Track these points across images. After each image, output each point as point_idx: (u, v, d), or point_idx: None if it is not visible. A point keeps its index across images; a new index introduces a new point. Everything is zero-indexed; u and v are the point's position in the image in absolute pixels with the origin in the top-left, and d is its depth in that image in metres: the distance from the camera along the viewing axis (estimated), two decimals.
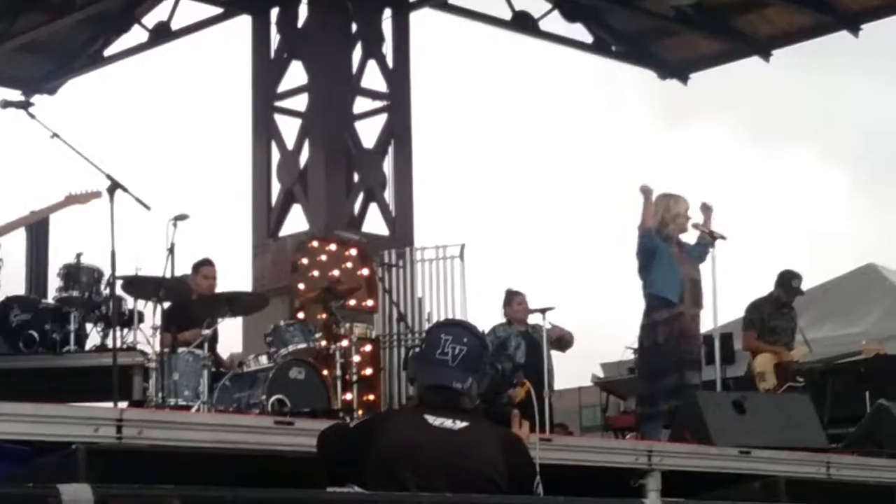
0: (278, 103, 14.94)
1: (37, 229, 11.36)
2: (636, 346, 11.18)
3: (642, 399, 10.20)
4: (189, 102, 19.27)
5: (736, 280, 11.89)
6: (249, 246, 14.68)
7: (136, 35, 16.04)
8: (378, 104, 14.98)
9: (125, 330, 9.31)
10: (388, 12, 14.94)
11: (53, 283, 9.85)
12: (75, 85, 17.10)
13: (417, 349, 4.76)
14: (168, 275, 9.02)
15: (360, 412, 9.55)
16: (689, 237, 10.28)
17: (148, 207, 8.08)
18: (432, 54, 16.70)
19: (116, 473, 5.17)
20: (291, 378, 8.99)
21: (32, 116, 7.82)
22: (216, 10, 15.30)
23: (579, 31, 16.63)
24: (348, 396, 9.89)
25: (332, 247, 12.88)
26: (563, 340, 11.16)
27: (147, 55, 16.13)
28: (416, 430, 4.35)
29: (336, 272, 12.39)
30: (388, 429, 4.41)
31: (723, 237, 10.13)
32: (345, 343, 10.03)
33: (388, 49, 14.88)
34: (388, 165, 14.76)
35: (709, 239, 10.06)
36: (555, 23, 16.26)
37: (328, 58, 14.51)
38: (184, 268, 9.78)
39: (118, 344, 8.81)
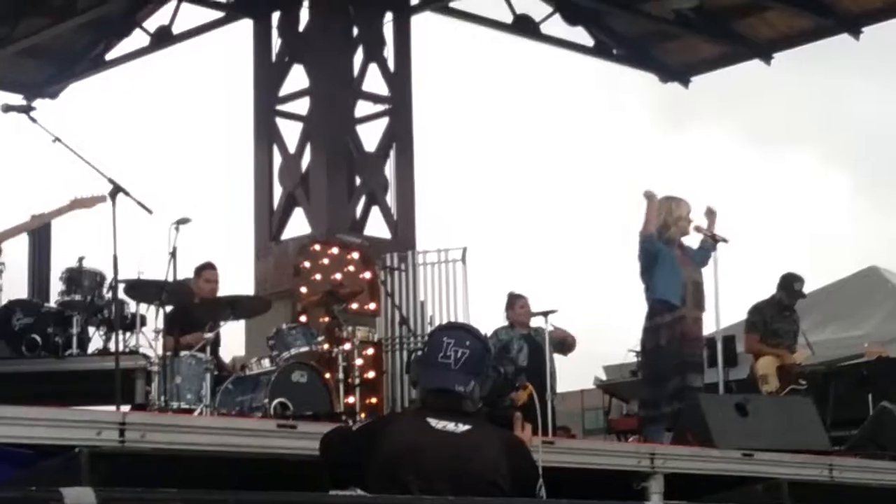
0: (280, 107, 14.95)
1: (39, 233, 11.38)
2: (638, 348, 11.18)
3: (645, 402, 10.20)
4: (191, 106, 19.28)
5: (738, 283, 11.91)
6: (251, 249, 14.69)
7: (138, 39, 16.08)
8: (379, 108, 14.99)
9: (127, 333, 9.34)
10: (389, 16, 14.95)
11: (56, 286, 9.89)
12: (77, 89, 17.14)
13: (420, 352, 4.76)
14: (170, 278, 9.02)
15: (363, 415, 9.54)
16: (691, 240, 10.29)
17: (150, 211, 8.09)
18: (433, 58, 16.71)
19: (119, 477, 5.17)
20: (294, 381, 8.98)
21: (34, 121, 7.84)
22: (217, 14, 15.32)
23: (580, 35, 16.65)
24: (351, 400, 9.89)
25: (335, 250, 12.87)
26: (565, 343, 11.16)
27: (148, 59, 16.16)
28: (419, 433, 4.35)
29: (338, 276, 12.39)
30: (390, 432, 4.41)
31: (725, 240, 10.13)
32: (347, 346, 10.04)
33: (389, 52, 14.90)
34: (389, 169, 14.77)
35: (711, 242, 10.06)
36: (556, 26, 16.28)
37: (329, 61, 14.52)
38: (186, 271, 9.80)
39: (121, 347, 8.82)
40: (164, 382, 8.55)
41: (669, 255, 9.91)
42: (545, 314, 10.67)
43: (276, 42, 14.93)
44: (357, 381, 10.07)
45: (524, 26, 16.07)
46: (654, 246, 9.87)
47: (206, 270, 10.24)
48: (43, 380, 8.92)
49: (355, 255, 12.77)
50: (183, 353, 8.93)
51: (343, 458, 4.49)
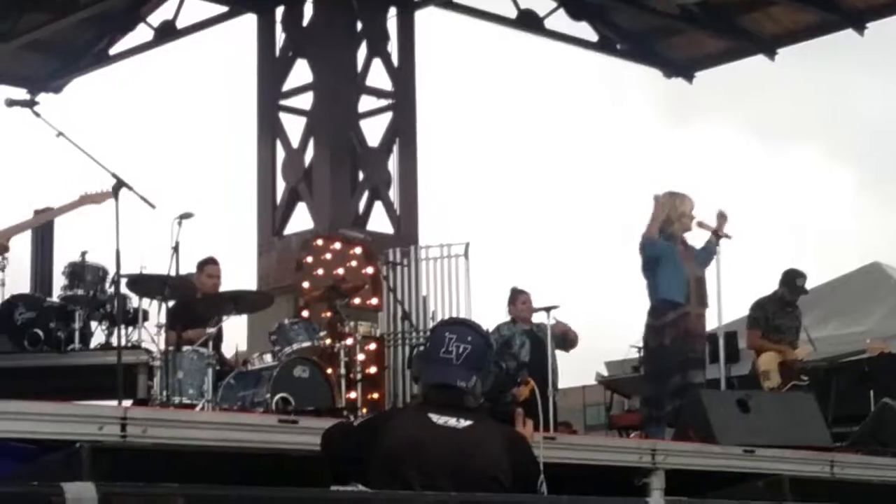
0: (283, 102, 14.95)
1: (42, 228, 11.37)
2: (640, 344, 11.17)
3: (648, 401, 10.18)
4: (194, 101, 19.27)
5: (740, 278, 11.90)
6: (254, 244, 14.70)
7: (142, 34, 16.07)
8: (383, 102, 14.98)
9: (130, 328, 9.33)
10: (393, 10, 14.95)
11: (58, 281, 9.88)
12: (80, 84, 17.14)
13: (422, 347, 4.78)
14: (173, 273, 9.02)
15: (365, 410, 9.55)
16: (694, 237, 10.27)
17: (153, 206, 8.09)
18: (437, 52, 16.68)
19: (120, 472, 5.17)
20: (296, 376, 9.00)
21: (38, 115, 7.83)
22: (221, 9, 15.31)
23: (584, 30, 16.63)
24: (352, 395, 9.90)
25: (337, 245, 12.88)
26: (566, 339, 11.16)
27: (152, 54, 16.16)
28: (421, 428, 4.35)
29: (341, 270, 12.40)
30: (392, 427, 4.41)
31: (728, 236, 10.13)
32: (349, 341, 10.05)
33: (393, 47, 14.89)
34: (392, 164, 14.77)
35: (715, 243, 10.04)
36: (560, 21, 16.26)
37: (333, 56, 14.52)
38: (188, 266, 9.81)
39: (123, 342, 8.81)
40: (166, 377, 8.56)
41: (672, 253, 9.89)
42: (547, 309, 10.67)
43: (279, 37, 14.93)
44: (359, 376, 10.07)
45: (528, 21, 16.05)
46: (655, 249, 9.84)
47: (209, 265, 10.24)
48: (45, 374, 8.91)
49: (358, 250, 12.77)
50: (185, 347, 8.94)
51: (344, 454, 4.49)
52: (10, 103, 7.96)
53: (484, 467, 4.31)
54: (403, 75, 14.91)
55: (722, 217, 10.23)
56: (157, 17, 15.91)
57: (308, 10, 14.78)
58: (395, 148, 14.79)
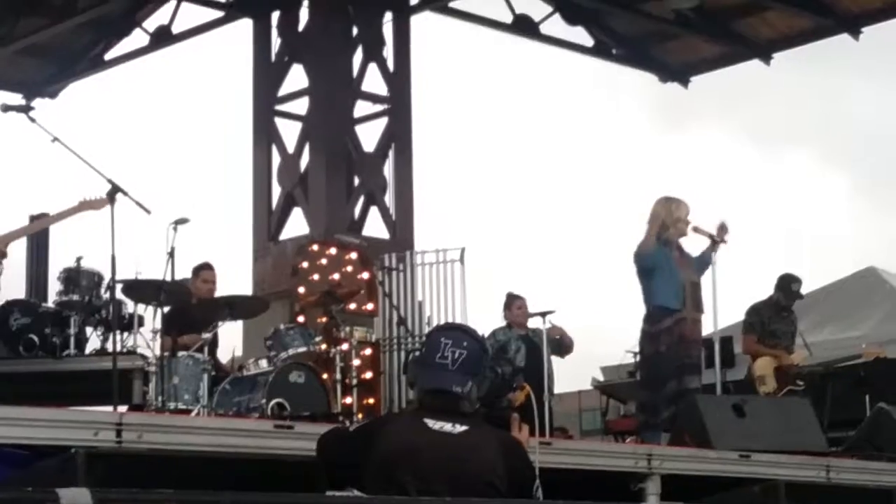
0: (279, 107, 14.95)
1: (37, 233, 11.36)
2: (636, 349, 11.16)
3: (644, 407, 10.16)
4: (190, 106, 19.30)
5: (736, 283, 11.89)
6: (250, 249, 14.69)
7: (138, 39, 16.09)
8: (379, 108, 14.99)
9: (125, 334, 9.31)
10: (388, 16, 14.95)
11: (53, 286, 9.86)
12: (76, 89, 17.15)
13: (417, 353, 4.77)
14: (168, 278, 9.02)
15: (360, 416, 9.54)
16: (689, 242, 10.24)
17: (148, 211, 8.09)
18: (433, 58, 16.74)
19: (116, 477, 5.16)
20: (291, 382, 8.98)
21: (33, 120, 7.84)
22: (217, 14, 15.33)
23: (580, 35, 16.65)
24: (348, 400, 9.89)
25: (333, 250, 12.87)
26: (562, 344, 11.17)
27: (148, 59, 16.17)
28: (416, 433, 4.35)
29: (336, 276, 12.39)
30: (387, 432, 4.41)
31: (724, 241, 10.11)
32: (345, 347, 10.04)
33: (388, 52, 14.90)
34: (388, 169, 14.77)
35: (711, 250, 10.00)
36: (555, 26, 16.28)
37: (329, 61, 14.52)
38: (184, 272, 9.80)
39: (118, 348, 8.81)
40: (162, 383, 8.55)
41: (667, 260, 9.84)
42: (543, 315, 10.68)
43: (275, 42, 14.93)
44: (354, 381, 10.06)
45: (524, 26, 16.07)
46: (649, 260, 9.78)
47: (204, 271, 10.24)
48: (40, 380, 8.91)
49: (353, 256, 12.77)
50: (180, 353, 8.93)
51: (340, 459, 4.49)
52: (6, 108, 7.95)
53: (480, 472, 4.30)
54: (399, 80, 14.91)
55: (723, 229, 10.16)
56: (152, 23, 15.92)
57: (304, 16, 14.79)
58: (391, 153, 14.79)
